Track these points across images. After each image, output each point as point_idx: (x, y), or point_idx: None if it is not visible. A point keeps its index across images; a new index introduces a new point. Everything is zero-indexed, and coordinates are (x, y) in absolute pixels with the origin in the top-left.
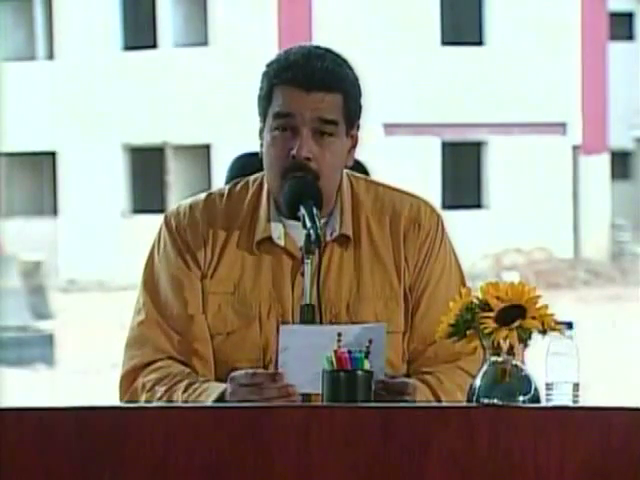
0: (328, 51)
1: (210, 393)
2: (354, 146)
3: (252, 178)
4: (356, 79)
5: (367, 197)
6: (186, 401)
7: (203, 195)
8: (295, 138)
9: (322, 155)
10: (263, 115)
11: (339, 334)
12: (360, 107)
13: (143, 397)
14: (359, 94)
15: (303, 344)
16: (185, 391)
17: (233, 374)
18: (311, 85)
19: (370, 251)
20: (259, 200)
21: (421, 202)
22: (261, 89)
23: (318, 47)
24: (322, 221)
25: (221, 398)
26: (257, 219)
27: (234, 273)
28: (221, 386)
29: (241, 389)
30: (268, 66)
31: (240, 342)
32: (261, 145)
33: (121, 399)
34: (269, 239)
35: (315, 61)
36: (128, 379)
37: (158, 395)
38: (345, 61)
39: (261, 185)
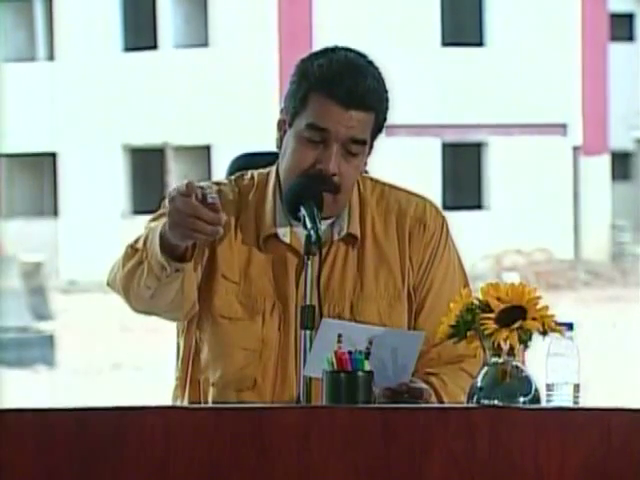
0: (369, 62)
1: (155, 237)
2: (369, 153)
3: (257, 172)
4: (387, 92)
5: (372, 196)
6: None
7: (209, 182)
8: (325, 152)
9: (346, 171)
10: (292, 113)
11: (339, 335)
12: (386, 120)
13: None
14: (388, 109)
15: (337, 337)
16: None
17: (172, 194)
18: (351, 103)
19: (375, 250)
20: (265, 196)
21: (427, 202)
22: (294, 84)
23: (360, 55)
24: (330, 220)
25: (163, 236)
26: (263, 215)
27: (241, 263)
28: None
29: (179, 199)
30: (305, 63)
31: (240, 332)
32: (279, 139)
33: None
34: (275, 236)
35: (358, 77)
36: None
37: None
38: (381, 74)
39: (267, 180)
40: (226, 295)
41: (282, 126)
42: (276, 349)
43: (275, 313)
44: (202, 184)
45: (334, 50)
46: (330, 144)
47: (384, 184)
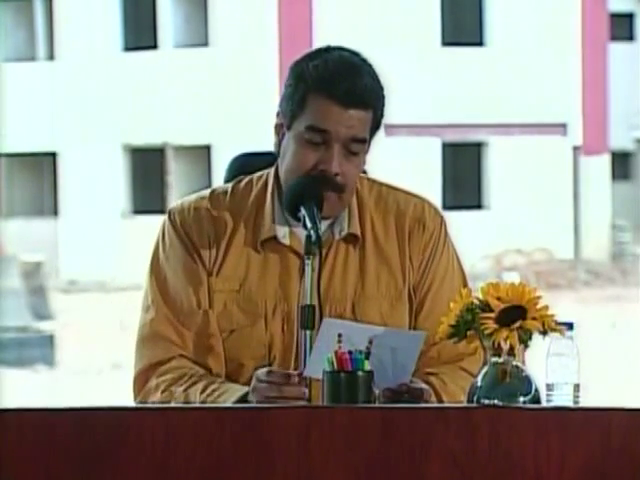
0: (363, 61)
1: (232, 394)
2: (367, 151)
3: (256, 176)
4: (383, 89)
5: (370, 196)
6: (204, 402)
7: (207, 192)
8: (326, 153)
9: (348, 170)
10: (290, 116)
11: (339, 335)
12: (383, 117)
13: (157, 397)
14: (384, 106)
15: (337, 337)
16: (203, 391)
17: (257, 371)
18: (350, 102)
19: (375, 251)
20: (264, 199)
21: (425, 202)
22: (290, 86)
23: (353, 54)
24: (329, 221)
25: (243, 399)
26: (262, 218)
27: (239, 271)
28: (243, 388)
29: (260, 385)
30: (299, 65)
31: (245, 339)
32: (277, 143)
33: (135, 399)
34: (274, 238)
35: (355, 76)
36: (142, 378)
37: (176, 396)
38: (375, 71)
39: (266, 183)
40: (224, 308)
41: (279, 130)
42: (281, 350)
43: (278, 314)
44: (201, 193)
45: (328, 50)
46: (331, 145)
47: (381, 184)
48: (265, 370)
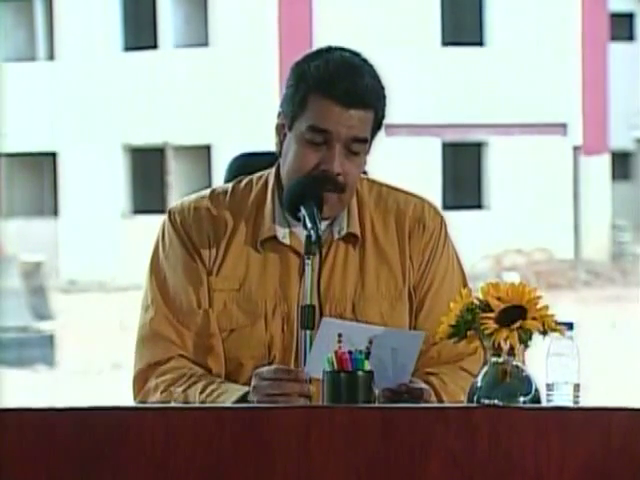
0: (364, 61)
1: (231, 394)
2: (368, 152)
3: (256, 176)
4: (384, 89)
5: (370, 197)
6: (204, 402)
7: (207, 192)
8: (327, 153)
9: (350, 170)
10: (291, 117)
11: (339, 335)
12: (384, 117)
13: (157, 397)
14: (386, 106)
15: (337, 337)
16: (202, 392)
17: (258, 370)
18: (351, 102)
19: (375, 251)
20: (264, 199)
21: (425, 202)
22: (291, 87)
23: (354, 54)
24: (329, 220)
25: (243, 399)
26: (262, 217)
27: (239, 270)
28: (242, 388)
29: (262, 383)
30: (300, 65)
31: (245, 339)
32: (279, 143)
33: (135, 399)
34: (274, 238)
35: (355, 76)
36: (141, 378)
37: (175, 396)
38: (376, 71)
39: (266, 183)
40: (224, 308)
41: (281, 130)
42: (280, 350)
43: (277, 315)
44: (201, 193)
45: (328, 50)
46: (332, 145)
47: (381, 185)
48: (272, 368)
